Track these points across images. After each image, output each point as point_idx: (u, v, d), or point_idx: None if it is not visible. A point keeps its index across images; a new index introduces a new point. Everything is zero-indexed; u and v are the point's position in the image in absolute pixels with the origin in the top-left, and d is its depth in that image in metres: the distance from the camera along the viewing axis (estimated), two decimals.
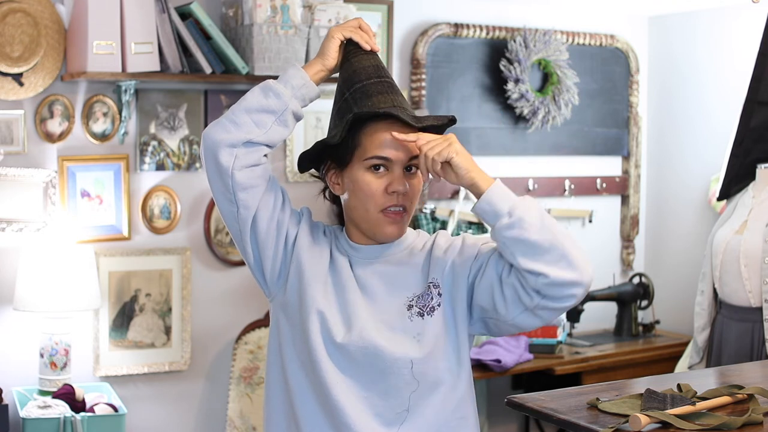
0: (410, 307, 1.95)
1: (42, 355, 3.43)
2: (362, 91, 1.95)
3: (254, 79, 3.63)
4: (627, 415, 1.98)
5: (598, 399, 2.10)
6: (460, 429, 1.97)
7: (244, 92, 3.88)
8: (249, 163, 1.91)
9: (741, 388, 2.17)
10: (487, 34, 4.35)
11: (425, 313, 1.94)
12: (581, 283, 1.87)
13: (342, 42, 2.00)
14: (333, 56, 2.00)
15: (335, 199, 2.06)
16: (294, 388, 1.97)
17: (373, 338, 1.91)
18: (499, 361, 3.87)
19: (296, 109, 1.95)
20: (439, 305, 1.95)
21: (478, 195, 1.88)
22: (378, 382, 1.92)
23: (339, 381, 1.92)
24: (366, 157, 1.93)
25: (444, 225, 4.25)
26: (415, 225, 4.05)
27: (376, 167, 1.93)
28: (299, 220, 2.02)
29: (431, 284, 1.96)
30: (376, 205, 1.94)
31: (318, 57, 2.00)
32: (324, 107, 4.11)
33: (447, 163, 1.87)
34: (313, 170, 2.06)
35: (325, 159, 2.01)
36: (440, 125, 1.97)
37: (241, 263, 3.89)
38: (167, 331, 3.77)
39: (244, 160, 1.91)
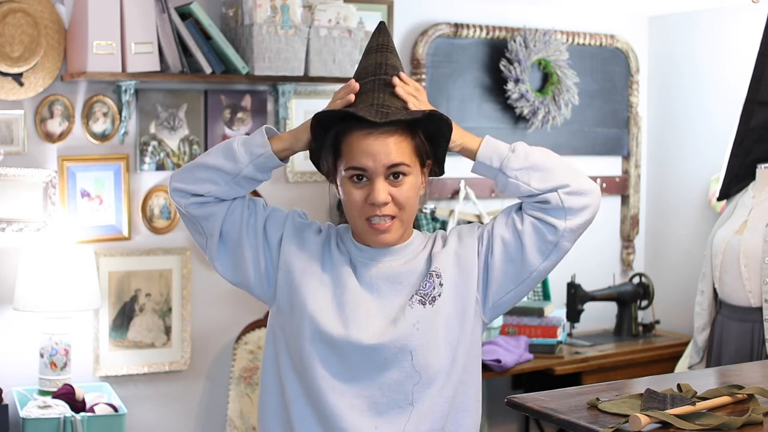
0: (412, 296, 1.93)
1: (42, 355, 3.43)
2: (356, 94, 1.92)
3: (254, 79, 3.64)
4: (627, 415, 1.98)
5: (598, 399, 2.10)
6: (461, 420, 1.97)
7: (243, 92, 3.92)
8: (201, 201, 1.97)
9: (741, 388, 2.17)
10: (487, 34, 4.35)
11: (426, 302, 1.92)
12: (594, 190, 1.96)
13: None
14: (304, 143, 1.96)
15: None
16: (290, 395, 1.95)
17: (371, 336, 1.89)
18: (499, 361, 3.87)
19: (252, 174, 1.95)
20: (440, 295, 1.93)
21: (474, 150, 1.96)
22: (379, 379, 1.90)
23: (333, 386, 1.90)
24: (346, 167, 1.90)
25: (444, 225, 4.24)
26: (416, 225, 4.05)
27: (358, 177, 1.89)
28: (283, 223, 2.00)
29: (434, 273, 1.95)
30: (359, 214, 1.91)
31: (292, 136, 1.97)
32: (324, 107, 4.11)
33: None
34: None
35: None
36: (410, 120, 1.89)
37: None
38: (167, 331, 3.77)
39: (197, 198, 1.97)
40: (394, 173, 1.89)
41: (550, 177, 1.93)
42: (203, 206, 1.97)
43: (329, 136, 1.92)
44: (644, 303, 4.59)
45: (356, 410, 1.90)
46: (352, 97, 1.90)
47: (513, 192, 1.96)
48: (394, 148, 1.87)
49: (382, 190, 1.88)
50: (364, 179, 1.89)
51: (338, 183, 1.95)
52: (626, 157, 4.86)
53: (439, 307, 1.93)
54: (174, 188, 1.98)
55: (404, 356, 1.89)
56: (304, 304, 1.93)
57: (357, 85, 1.91)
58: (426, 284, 1.94)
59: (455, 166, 4.22)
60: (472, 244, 1.98)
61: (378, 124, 1.86)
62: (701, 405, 2.02)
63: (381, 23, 2.01)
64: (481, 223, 4.49)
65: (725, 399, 2.10)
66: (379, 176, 1.88)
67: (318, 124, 1.92)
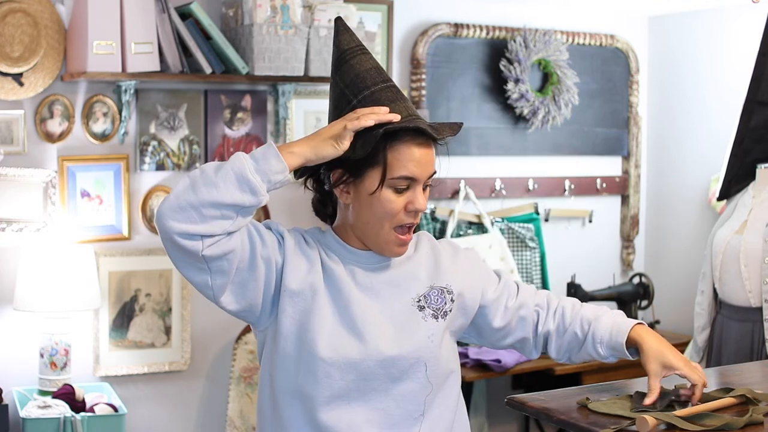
0: (422, 308, 1.93)
1: (42, 355, 3.43)
2: (372, 99, 1.87)
3: (254, 79, 3.64)
4: (618, 416, 1.99)
5: (587, 399, 2.10)
6: (459, 429, 1.99)
7: (243, 92, 3.91)
8: (218, 239, 1.77)
9: (730, 390, 2.18)
10: (487, 34, 4.35)
11: (439, 316, 1.94)
12: None
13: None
14: (325, 157, 1.83)
15: (322, 199, 1.98)
16: (289, 419, 1.89)
17: (389, 347, 1.87)
18: (499, 361, 3.87)
19: (267, 200, 1.80)
20: (450, 311, 1.96)
21: (634, 347, 2.18)
22: (394, 391, 1.89)
23: (349, 402, 1.87)
24: (393, 176, 1.85)
25: (444, 225, 4.24)
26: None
27: (402, 186, 1.86)
28: (280, 243, 1.90)
29: (445, 289, 1.96)
30: (392, 222, 1.88)
31: (311, 150, 1.82)
32: (325, 107, 4.11)
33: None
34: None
35: (334, 166, 1.90)
36: (455, 133, 1.92)
37: None
38: (167, 331, 3.77)
39: (211, 239, 1.77)
40: (428, 182, 1.91)
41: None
42: (217, 245, 1.76)
43: (380, 147, 1.84)
44: (644, 303, 4.59)
45: (371, 424, 1.88)
46: (398, 117, 1.85)
47: (580, 354, 2.15)
48: (434, 158, 1.91)
49: (424, 197, 1.90)
50: (405, 187, 1.88)
51: (366, 191, 1.87)
52: (626, 157, 4.86)
53: (448, 321, 1.96)
54: (179, 232, 1.73)
55: (419, 367, 1.90)
56: (315, 326, 1.87)
57: (398, 116, 1.85)
58: (438, 299, 1.95)
59: (455, 166, 4.25)
60: (483, 289, 2.04)
61: (432, 137, 1.87)
62: (705, 406, 2.03)
63: (338, 19, 1.96)
64: (481, 224, 4.48)
65: (730, 400, 2.11)
66: (421, 184, 1.89)
67: (355, 134, 1.84)
